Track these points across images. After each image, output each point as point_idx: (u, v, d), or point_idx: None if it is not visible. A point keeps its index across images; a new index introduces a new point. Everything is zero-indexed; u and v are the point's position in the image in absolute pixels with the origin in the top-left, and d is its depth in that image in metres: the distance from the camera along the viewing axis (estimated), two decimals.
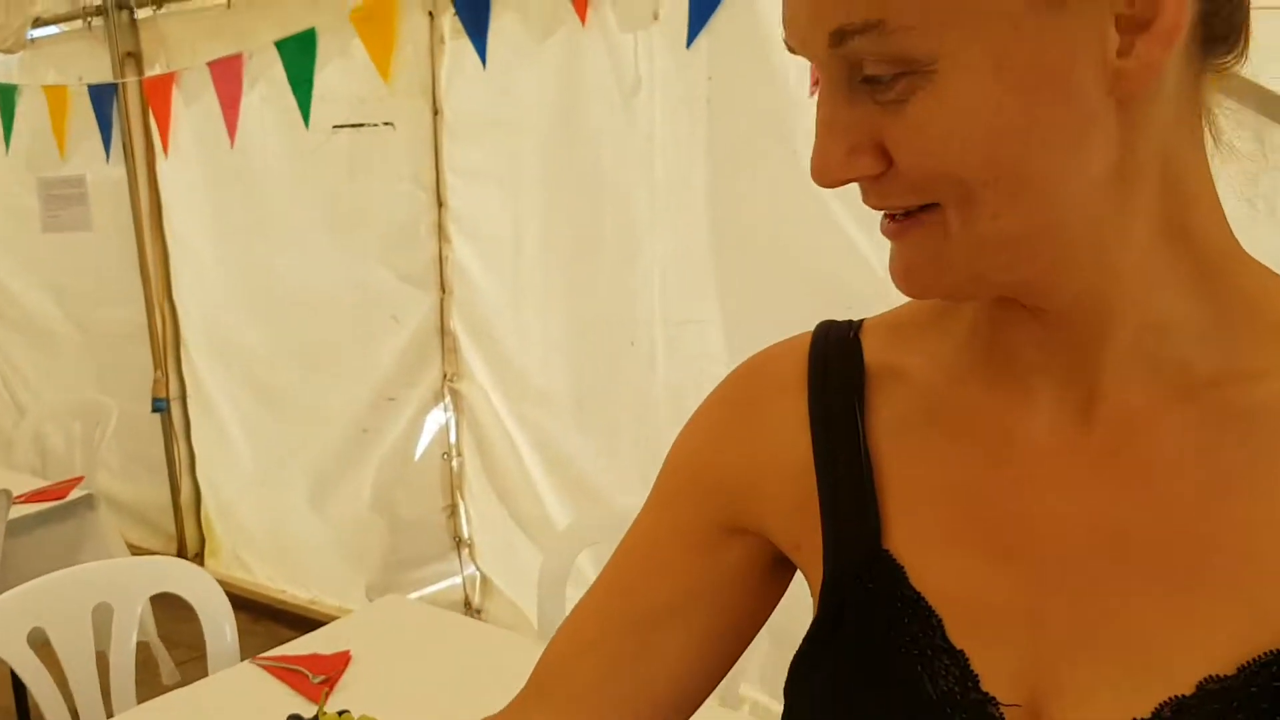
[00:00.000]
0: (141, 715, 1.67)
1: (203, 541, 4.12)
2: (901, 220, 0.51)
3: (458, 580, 3.34)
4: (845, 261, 2.30)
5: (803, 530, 0.61)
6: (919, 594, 0.56)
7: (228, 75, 3.40)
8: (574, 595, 2.15)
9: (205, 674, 1.81)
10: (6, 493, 2.50)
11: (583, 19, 2.59)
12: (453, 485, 3.31)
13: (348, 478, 3.48)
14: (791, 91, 2.31)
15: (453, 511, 3.32)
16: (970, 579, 0.55)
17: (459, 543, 3.33)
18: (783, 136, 2.35)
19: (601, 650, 0.65)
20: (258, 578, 3.88)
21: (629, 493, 2.83)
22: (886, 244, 2.18)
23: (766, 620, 0.67)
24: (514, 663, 1.91)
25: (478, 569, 3.33)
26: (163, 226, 3.89)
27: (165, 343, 3.96)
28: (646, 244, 2.65)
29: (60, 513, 2.82)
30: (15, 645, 1.77)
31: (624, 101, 2.60)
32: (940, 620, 0.55)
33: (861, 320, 0.64)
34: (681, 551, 0.65)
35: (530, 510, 3.06)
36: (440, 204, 3.07)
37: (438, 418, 3.26)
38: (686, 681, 0.65)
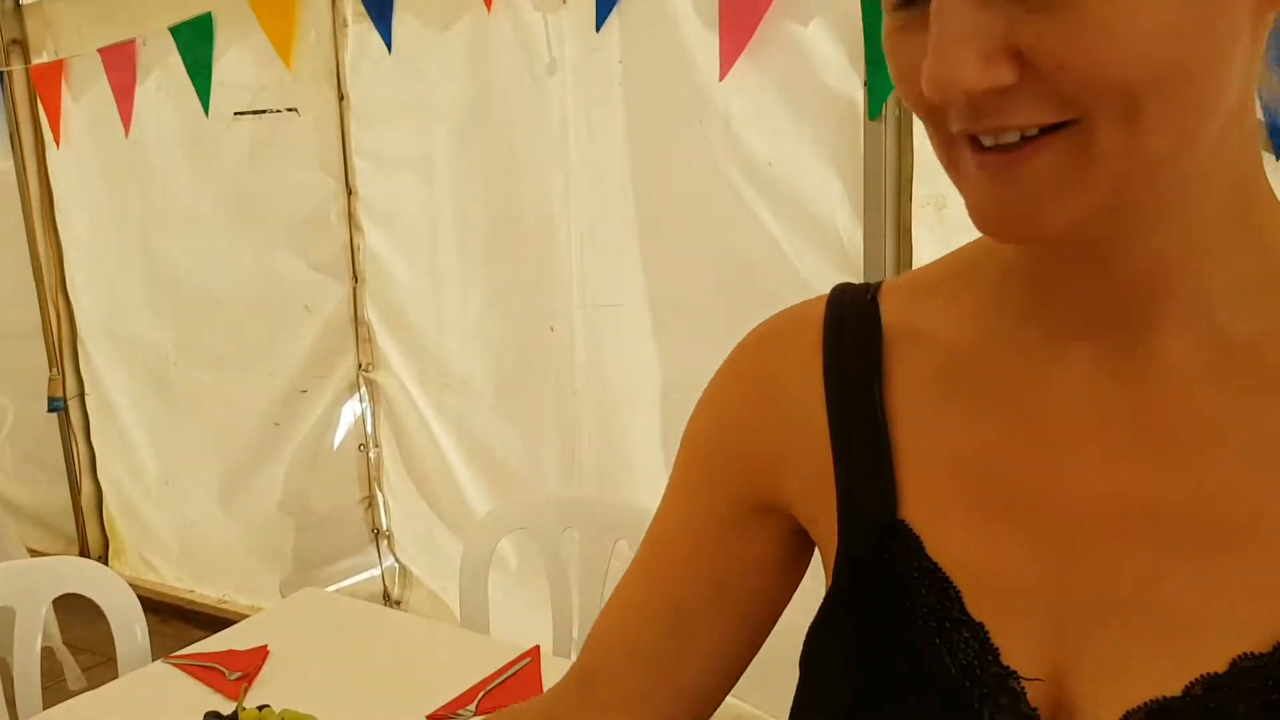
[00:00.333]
0: None
1: (106, 544, 3.99)
2: (1019, 147, 0.44)
3: (376, 572, 3.29)
4: (757, 243, 2.33)
5: (819, 502, 0.59)
6: (936, 564, 0.54)
7: (120, 62, 3.29)
8: (497, 582, 2.15)
9: (114, 678, 1.76)
10: None
11: (488, 4, 2.57)
12: (370, 477, 3.26)
13: (259, 473, 3.41)
14: (701, 74, 2.32)
15: (370, 503, 3.28)
16: (992, 549, 0.53)
17: (377, 534, 3.28)
18: (694, 119, 2.36)
19: (648, 650, 0.64)
20: (165, 579, 3.78)
21: (551, 479, 2.83)
22: (794, 225, 2.21)
23: (787, 604, 0.66)
24: (436, 651, 1.90)
25: (397, 560, 3.29)
26: (55, 220, 3.75)
27: (60, 340, 3.82)
28: (563, 228, 2.64)
29: None
30: None
31: (536, 85, 2.59)
32: (959, 591, 0.53)
33: (879, 283, 0.61)
34: (711, 538, 0.63)
35: (450, 499, 3.03)
36: (350, 191, 3.01)
37: (353, 409, 3.21)
38: (720, 672, 0.65)
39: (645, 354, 2.58)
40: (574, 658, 2.00)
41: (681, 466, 0.66)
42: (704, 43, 2.31)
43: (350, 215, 3.03)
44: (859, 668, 0.55)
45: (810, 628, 0.59)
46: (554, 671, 1.69)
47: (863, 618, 0.56)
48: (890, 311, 0.59)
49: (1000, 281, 0.55)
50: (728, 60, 2.26)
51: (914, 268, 0.63)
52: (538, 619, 2.18)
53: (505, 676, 1.68)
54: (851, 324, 0.59)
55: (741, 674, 0.66)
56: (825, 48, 2.18)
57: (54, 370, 3.82)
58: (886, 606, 0.55)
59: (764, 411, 0.61)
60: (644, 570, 0.66)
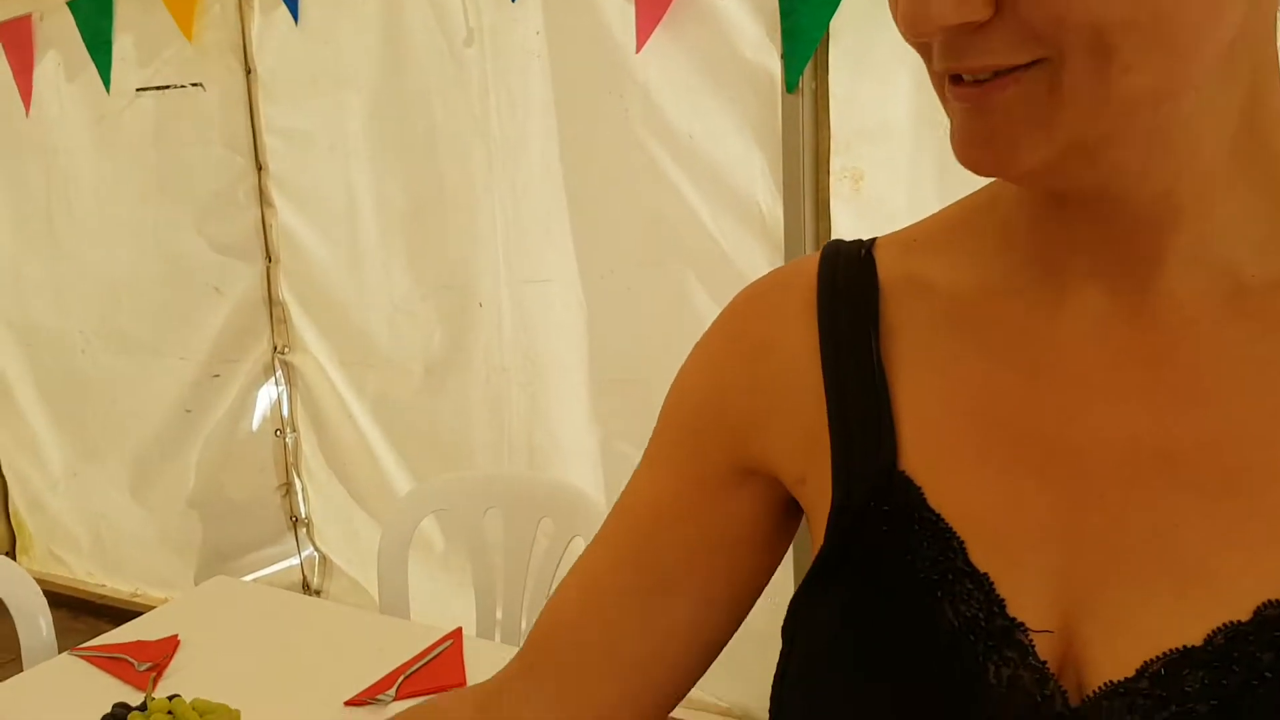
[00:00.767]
0: None
1: (13, 540, 3.86)
2: (991, 81, 0.44)
3: (295, 561, 3.23)
4: (680, 216, 2.31)
5: (811, 461, 0.56)
6: (938, 514, 0.51)
7: (17, 39, 3.18)
8: (421, 565, 2.10)
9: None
10: None
11: None
12: (287, 463, 3.19)
13: (171, 461, 3.31)
14: (618, 45, 2.29)
15: (288, 490, 3.20)
16: (997, 497, 0.51)
17: (295, 523, 3.21)
18: (612, 91, 2.34)
19: (607, 616, 0.61)
20: (76, 574, 3.67)
21: (481, 460, 2.79)
22: (716, 198, 2.20)
23: (774, 572, 0.63)
24: (354, 636, 1.86)
25: (316, 549, 3.22)
26: None
27: None
28: (486, 202, 2.60)
29: None
30: None
31: (453, 57, 2.54)
32: (962, 542, 0.50)
33: (873, 238, 0.60)
34: (688, 504, 0.60)
35: (372, 485, 2.97)
36: (259, 168, 2.93)
37: (269, 393, 3.13)
38: (697, 643, 0.62)
39: (574, 328, 2.55)
40: (498, 639, 1.99)
41: (663, 429, 0.63)
42: (621, 13, 2.28)
43: (261, 193, 2.95)
44: (855, 627, 0.53)
45: (798, 592, 0.56)
46: (476, 654, 1.67)
47: (859, 574, 0.53)
48: (886, 264, 0.58)
49: (1005, 227, 0.54)
50: (644, 31, 2.24)
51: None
52: (463, 601, 2.15)
53: (426, 660, 1.65)
54: (846, 278, 0.58)
55: (716, 655, 0.62)
56: (742, 20, 2.17)
57: None
58: (885, 561, 0.52)
59: (754, 369, 0.59)
60: (611, 539, 0.63)
